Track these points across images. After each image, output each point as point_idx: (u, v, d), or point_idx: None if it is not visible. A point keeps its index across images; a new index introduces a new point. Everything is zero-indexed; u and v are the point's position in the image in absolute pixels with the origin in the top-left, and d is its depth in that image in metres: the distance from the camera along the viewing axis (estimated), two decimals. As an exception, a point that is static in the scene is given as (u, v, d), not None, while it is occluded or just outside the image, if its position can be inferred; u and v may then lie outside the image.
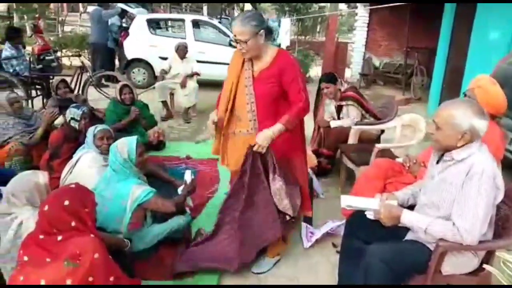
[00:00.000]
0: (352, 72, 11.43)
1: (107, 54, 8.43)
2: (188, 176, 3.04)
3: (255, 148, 2.38)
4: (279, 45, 8.34)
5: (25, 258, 1.80)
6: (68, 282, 1.69)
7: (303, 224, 3.15)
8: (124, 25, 9.21)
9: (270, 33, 2.43)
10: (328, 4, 13.11)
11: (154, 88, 6.52)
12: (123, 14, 9.14)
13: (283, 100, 2.47)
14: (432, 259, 1.95)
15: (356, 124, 4.11)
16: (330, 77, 4.26)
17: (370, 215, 2.18)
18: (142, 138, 4.27)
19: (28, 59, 6.07)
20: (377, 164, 3.12)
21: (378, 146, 3.62)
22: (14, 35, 6.08)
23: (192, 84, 6.25)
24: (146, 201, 2.62)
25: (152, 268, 2.64)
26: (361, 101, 4.22)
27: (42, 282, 1.68)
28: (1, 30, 12.04)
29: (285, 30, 9.72)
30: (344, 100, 4.21)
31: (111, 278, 1.81)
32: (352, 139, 3.99)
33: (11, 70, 5.83)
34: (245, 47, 2.35)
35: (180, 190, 2.98)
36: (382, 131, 4.30)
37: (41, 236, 1.83)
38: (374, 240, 2.10)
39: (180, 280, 2.58)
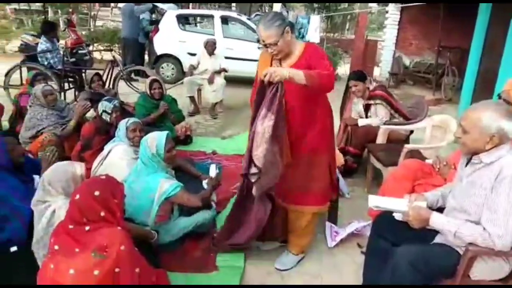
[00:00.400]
0: (381, 71, 11.25)
1: (138, 49, 8.58)
2: (213, 171, 3.08)
3: (265, 78, 2.20)
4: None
5: (56, 247, 1.85)
6: (96, 272, 1.74)
7: (328, 224, 3.14)
8: (153, 18, 9.33)
9: (292, 27, 2.42)
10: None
11: (182, 83, 6.60)
12: (153, 9, 9.28)
13: (312, 98, 2.44)
14: (461, 264, 1.91)
15: (384, 123, 4.05)
16: (359, 75, 4.21)
17: (398, 217, 2.15)
18: (170, 132, 4.34)
19: (62, 52, 6.23)
20: (405, 165, 3.07)
21: (407, 146, 3.56)
22: (49, 29, 6.26)
23: (219, 80, 6.30)
24: (173, 195, 2.66)
25: (178, 260, 2.68)
26: (390, 100, 4.15)
27: (71, 272, 1.73)
28: (36, 24, 12.45)
29: (315, 27, 9.66)
30: (372, 99, 4.15)
31: (137, 270, 1.85)
32: (380, 139, 3.94)
33: (45, 63, 6.01)
34: (276, 49, 2.35)
35: (205, 183, 3.02)
36: (412, 132, 4.23)
37: (71, 226, 1.88)
38: (401, 241, 2.07)
39: (204, 272, 2.62)
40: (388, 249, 2.19)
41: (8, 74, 6.01)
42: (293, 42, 2.43)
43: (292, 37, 2.41)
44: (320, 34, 11.14)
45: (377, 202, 2.19)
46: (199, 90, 6.63)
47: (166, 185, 2.65)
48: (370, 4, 13.27)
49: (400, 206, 2.14)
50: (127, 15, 8.29)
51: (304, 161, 2.52)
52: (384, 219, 2.29)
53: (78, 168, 2.34)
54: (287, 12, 8.90)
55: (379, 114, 4.10)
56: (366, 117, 4.23)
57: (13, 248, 2.63)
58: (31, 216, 2.52)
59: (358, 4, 13.36)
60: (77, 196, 1.89)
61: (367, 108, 4.22)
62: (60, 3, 13.95)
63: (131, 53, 8.37)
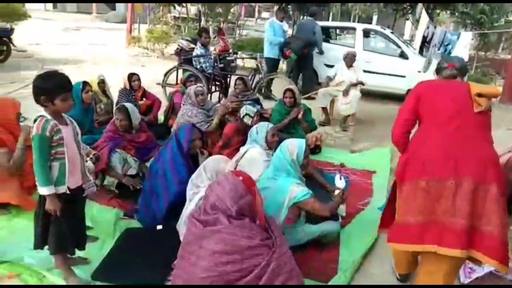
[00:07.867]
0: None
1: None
2: (338, 181, 3.04)
3: None
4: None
5: None
6: None
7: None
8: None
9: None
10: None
11: (316, 94, 6.70)
12: None
13: None
14: None
15: None
16: None
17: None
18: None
19: (213, 58, 6.85)
20: None
21: None
22: (205, 36, 6.95)
23: (355, 92, 6.23)
24: (303, 201, 2.72)
25: (298, 264, 2.74)
26: None
27: None
28: (191, 31, 13.85)
29: (464, 44, 8.91)
30: None
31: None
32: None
33: (198, 66, 6.70)
34: None
35: (336, 192, 3.01)
36: None
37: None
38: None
39: (320, 281, 2.66)
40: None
41: (166, 74, 6.86)
42: None
43: None
44: (469, 52, 10.24)
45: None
46: (332, 101, 6.66)
47: (297, 190, 2.72)
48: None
49: None
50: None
51: None
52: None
53: (224, 161, 2.77)
54: (434, 27, 8.36)
55: None
56: None
57: (159, 227, 3.02)
58: (176, 196, 2.91)
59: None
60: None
61: None
62: (212, 12, 15.30)
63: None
